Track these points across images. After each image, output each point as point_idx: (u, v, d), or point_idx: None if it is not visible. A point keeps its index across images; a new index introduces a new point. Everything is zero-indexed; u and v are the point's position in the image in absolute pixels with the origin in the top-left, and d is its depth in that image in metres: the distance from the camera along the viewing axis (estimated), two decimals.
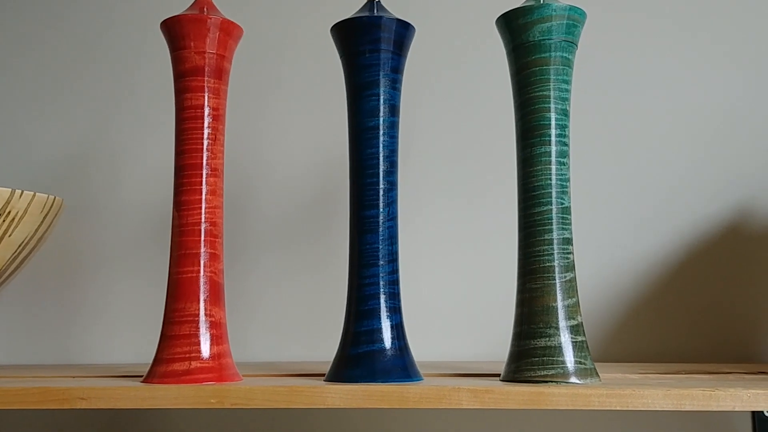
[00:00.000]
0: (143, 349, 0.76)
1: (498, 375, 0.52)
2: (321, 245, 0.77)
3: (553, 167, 0.50)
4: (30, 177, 0.80)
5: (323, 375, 0.54)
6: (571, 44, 0.51)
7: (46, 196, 0.59)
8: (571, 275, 0.49)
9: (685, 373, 0.56)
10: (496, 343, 0.72)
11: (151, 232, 0.78)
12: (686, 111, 0.75)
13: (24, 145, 0.81)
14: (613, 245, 0.74)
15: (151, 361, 0.52)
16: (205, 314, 0.51)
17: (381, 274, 0.51)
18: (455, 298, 0.75)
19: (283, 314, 0.76)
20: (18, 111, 0.82)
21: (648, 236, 0.74)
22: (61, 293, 0.78)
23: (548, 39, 0.50)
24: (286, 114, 0.79)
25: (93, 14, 0.83)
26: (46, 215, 0.61)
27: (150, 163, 0.79)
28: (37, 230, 0.60)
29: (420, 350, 0.54)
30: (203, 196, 0.52)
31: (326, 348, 0.73)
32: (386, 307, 0.51)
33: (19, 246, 0.59)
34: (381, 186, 0.52)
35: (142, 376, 0.54)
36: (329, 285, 0.75)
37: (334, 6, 0.75)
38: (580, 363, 0.48)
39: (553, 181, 0.50)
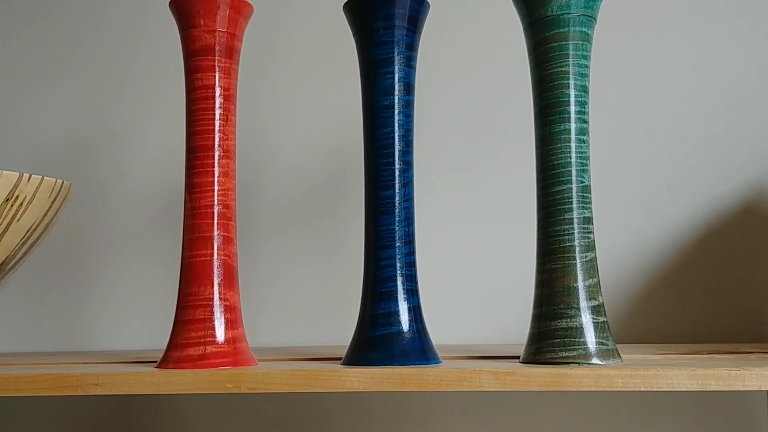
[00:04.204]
0: (152, 335, 0.76)
1: (517, 357, 0.51)
2: (332, 228, 0.76)
3: (573, 145, 0.49)
4: (33, 161, 0.79)
5: (339, 359, 0.53)
6: (591, 18, 0.50)
7: (54, 180, 0.58)
8: (592, 255, 0.48)
9: (706, 353, 0.55)
10: (514, 325, 0.72)
11: (157, 216, 0.77)
12: (701, 89, 0.74)
13: (27, 129, 0.80)
14: (627, 225, 0.73)
15: (161, 347, 0.51)
16: (220, 298, 0.50)
17: (398, 256, 0.50)
18: (471, 280, 0.74)
19: (294, 298, 0.75)
20: (19, 95, 0.81)
21: (663, 216, 0.73)
22: (67, 279, 0.78)
23: (567, 13, 0.49)
24: (296, 94, 0.78)
25: None
26: (54, 200, 0.60)
27: (155, 145, 0.78)
28: (45, 215, 0.59)
29: (436, 333, 0.53)
30: (216, 179, 0.51)
31: (338, 332, 0.72)
32: (403, 289, 0.50)
33: (27, 231, 0.58)
34: (396, 166, 0.51)
35: (153, 362, 0.53)
36: (341, 268, 0.75)
37: None
38: (602, 344, 0.47)
39: (573, 160, 0.49)
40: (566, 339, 0.47)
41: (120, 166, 0.78)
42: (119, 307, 0.77)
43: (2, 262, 0.58)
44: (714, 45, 0.74)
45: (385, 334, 0.49)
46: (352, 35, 0.53)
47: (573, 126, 0.49)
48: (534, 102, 0.51)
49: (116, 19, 0.81)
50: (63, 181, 0.60)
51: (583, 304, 0.47)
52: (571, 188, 0.48)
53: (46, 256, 0.76)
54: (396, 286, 0.50)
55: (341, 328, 0.70)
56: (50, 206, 0.60)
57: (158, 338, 0.73)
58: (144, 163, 0.78)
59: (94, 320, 0.77)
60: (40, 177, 0.57)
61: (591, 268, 0.48)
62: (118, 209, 0.78)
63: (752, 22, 0.74)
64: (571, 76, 0.49)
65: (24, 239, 0.59)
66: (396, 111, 0.51)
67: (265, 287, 0.75)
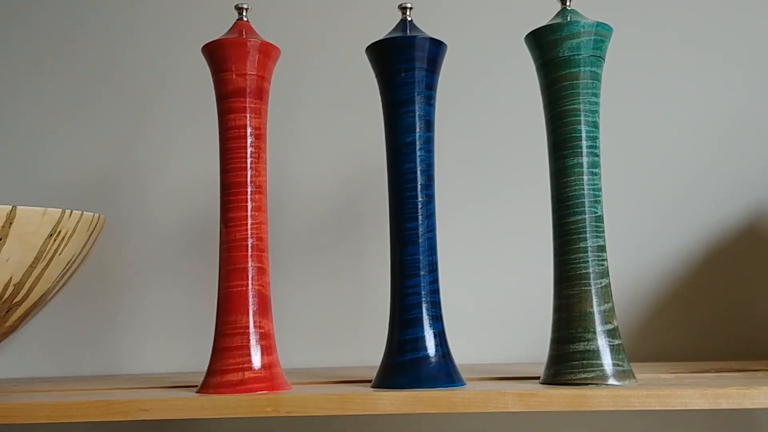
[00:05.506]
0: (181, 360, 0.78)
1: (535, 377, 0.54)
2: (347, 255, 0.79)
3: (586, 177, 0.52)
4: (63, 195, 0.82)
5: (365, 381, 0.56)
6: (599, 59, 0.53)
7: (92, 214, 0.62)
8: (606, 281, 0.51)
9: (714, 371, 0.58)
10: (529, 346, 0.74)
11: (185, 247, 0.80)
12: (702, 113, 0.77)
13: (56, 164, 0.83)
14: (633, 248, 0.76)
15: (189, 370, 0.53)
16: (255, 326, 0.53)
17: (422, 284, 0.53)
18: (488, 305, 0.77)
19: (316, 322, 0.78)
20: (47, 130, 0.84)
21: (667, 238, 0.76)
22: (98, 307, 0.80)
23: (577, 54, 0.53)
24: (318, 129, 0.81)
25: (121, 33, 0.84)
26: (92, 233, 0.63)
27: (182, 178, 0.81)
28: (83, 248, 0.62)
29: (457, 353, 0.56)
30: (249, 213, 0.54)
31: (356, 354, 0.76)
32: (428, 315, 0.53)
33: (68, 264, 0.61)
34: (420, 199, 0.54)
35: (190, 386, 0.56)
36: (358, 293, 0.78)
37: (368, 25, 0.77)
38: (618, 365, 0.50)
39: (586, 191, 0.52)
40: (584, 361, 0.50)
41: (145, 198, 0.81)
42: (148, 332, 0.79)
43: (44, 293, 0.61)
44: (713, 70, 0.77)
45: (413, 358, 0.52)
46: (374, 76, 0.57)
47: (585, 160, 0.52)
48: (548, 137, 0.54)
49: (143, 56, 0.84)
50: (99, 215, 0.63)
51: (599, 328, 0.50)
52: (585, 218, 0.52)
53: (75, 285, 0.79)
54: (421, 312, 0.53)
55: (358, 349, 0.74)
56: (88, 239, 0.63)
57: (185, 362, 0.76)
58: (169, 195, 0.81)
59: (125, 346, 0.80)
60: (80, 212, 0.60)
61: (605, 294, 0.51)
62: (143, 240, 0.80)
63: (752, 47, 0.77)
64: (583, 113, 0.52)
65: (64, 271, 0.62)
66: (417, 147, 0.54)
67: (283, 312, 0.78)
